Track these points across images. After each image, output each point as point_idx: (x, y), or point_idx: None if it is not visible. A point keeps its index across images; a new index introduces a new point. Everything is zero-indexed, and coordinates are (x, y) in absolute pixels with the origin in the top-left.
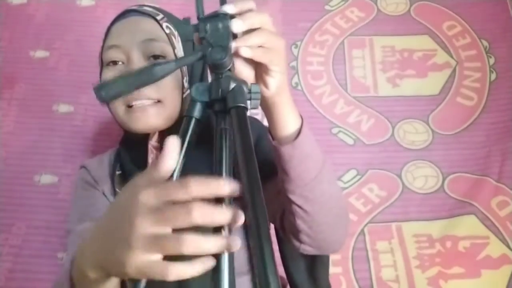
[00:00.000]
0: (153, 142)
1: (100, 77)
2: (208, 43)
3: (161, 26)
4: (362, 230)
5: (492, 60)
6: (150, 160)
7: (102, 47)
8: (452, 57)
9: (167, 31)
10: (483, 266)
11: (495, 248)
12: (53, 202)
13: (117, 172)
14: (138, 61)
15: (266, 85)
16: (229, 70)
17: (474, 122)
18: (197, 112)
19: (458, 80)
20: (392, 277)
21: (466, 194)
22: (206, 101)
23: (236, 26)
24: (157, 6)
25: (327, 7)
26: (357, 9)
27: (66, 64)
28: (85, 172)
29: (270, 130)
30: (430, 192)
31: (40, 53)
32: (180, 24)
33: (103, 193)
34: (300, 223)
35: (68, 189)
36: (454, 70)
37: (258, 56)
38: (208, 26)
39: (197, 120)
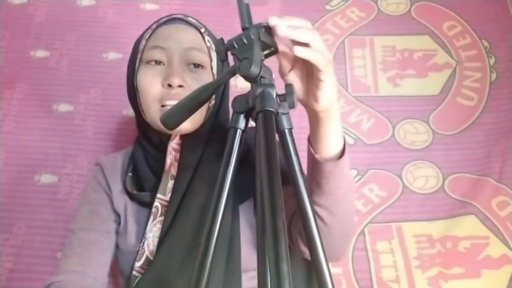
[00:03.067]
0: (173, 144)
1: (137, 73)
2: (237, 58)
3: (203, 38)
4: (362, 231)
5: (492, 60)
6: (168, 160)
7: (144, 45)
8: (452, 57)
9: (208, 44)
10: (483, 266)
11: (495, 248)
12: (53, 201)
13: (129, 174)
14: (179, 65)
15: (316, 99)
16: (262, 77)
17: (474, 122)
18: (240, 123)
19: (458, 80)
20: (393, 277)
21: (466, 194)
22: (245, 111)
23: (273, 21)
24: (198, 20)
25: (327, 7)
26: (358, 9)
27: (66, 64)
28: (99, 170)
29: (312, 143)
30: (430, 192)
31: (40, 53)
32: (217, 40)
33: (111, 196)
34: None
35: (68, 188)
36: (455, 70)
37: (303, 52)
38: (234, 43)
39: (242, 131)
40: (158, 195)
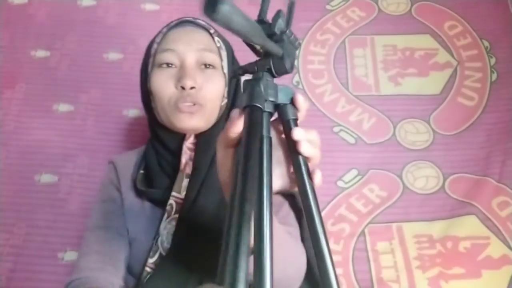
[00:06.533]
0: (188, 143)
1: (150, 77)
2: (285, 48)
3: (213, 39)
4: (363, 231)
5: (493, 60)
6: (183, 160)
7: (156, 49)
8: (453, 56)
9: (218, 44)
10: (483, 266)
11: (495, 249)
12: (53, 201)
13: (141, 171)
14: (191, 66)
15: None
16: (265, 71)
17: (475, 122)
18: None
19: (459, 80)
20: (393, 277)
21: (466, 195)
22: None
23: (298, 133)
24: (206, 21)
25: (328, 7)
26: (358, 9)
27: (67, 64)
28: (112, 168)
29: None
30: (430, 192)
31: (40, 53)
32: (226, 40)
33: (121, 194)
34: None
35: (68, 188)
36: (455, 70)
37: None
38: (286, 34)
39: None
40: (173, 193)
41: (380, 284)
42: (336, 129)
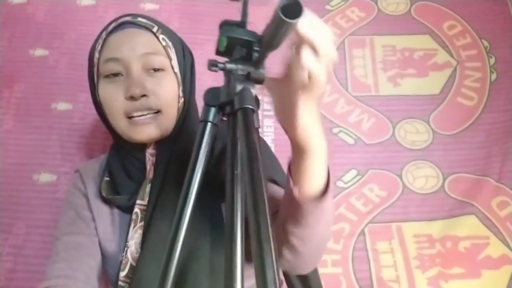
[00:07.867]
0: (150, 150)
1: (97, 89)
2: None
3: (158, 38)
4: (362, 230)
5: (492, 60)
6: (148, 167)
7: (98, 58)
8: (452, 56)
9: (164, 43)
10: (483, 266)
11: (495, 248)
12: (52, 201)
13: (105, 178)
14: (138, 73)
15: (292, 127)
16: (244, 75)
17: (474, 122)
18: (211, 116)
19: (459, 79)
20: (393, 277)
21: (466, 194)
22: (217, 104)
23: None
24: (149, 16)
25: (327, 7)
26: (358, 9)
27: (66, 63)
28: (78, 176)
29: (292, 172)
30: (430, 192)
31: (39, 52)
32: (172, 33)
33: (89, 202)
34: (286, 253)
35: (67, 187)
36: (455, 70)
37: (311, 61)
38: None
39: (213, 125)
40: (138, 201)
41: (380, 283)
42: (335, 130)
